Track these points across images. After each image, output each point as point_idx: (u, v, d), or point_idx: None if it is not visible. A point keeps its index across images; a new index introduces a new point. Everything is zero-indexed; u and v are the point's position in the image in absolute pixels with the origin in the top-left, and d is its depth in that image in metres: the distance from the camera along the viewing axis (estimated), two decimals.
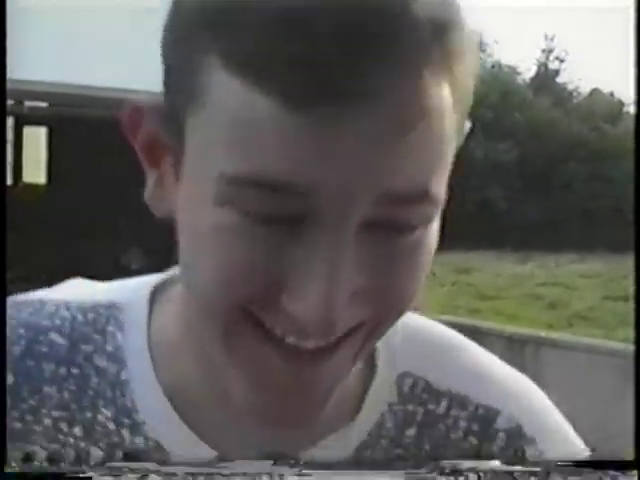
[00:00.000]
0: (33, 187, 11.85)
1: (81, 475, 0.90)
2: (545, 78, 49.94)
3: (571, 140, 41.47)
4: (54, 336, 1.07)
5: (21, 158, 12.42)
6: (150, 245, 8.85)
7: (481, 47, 50.43)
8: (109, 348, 1.06)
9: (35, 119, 11.25)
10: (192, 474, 0.91)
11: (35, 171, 12.49)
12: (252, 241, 0.88)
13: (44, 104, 10.11)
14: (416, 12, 0.84)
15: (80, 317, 1.09)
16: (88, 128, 9.25)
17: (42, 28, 6.87)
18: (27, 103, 10.01)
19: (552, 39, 51.05)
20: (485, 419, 1.24)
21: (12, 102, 10.79)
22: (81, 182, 10.05)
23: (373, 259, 0.94)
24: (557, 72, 51.03)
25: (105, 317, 1.09)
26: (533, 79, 50.05)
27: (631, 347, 8.36)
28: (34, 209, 10.47)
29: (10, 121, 11.83)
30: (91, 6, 6.99)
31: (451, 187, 1.19)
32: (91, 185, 9.84)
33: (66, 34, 7.11)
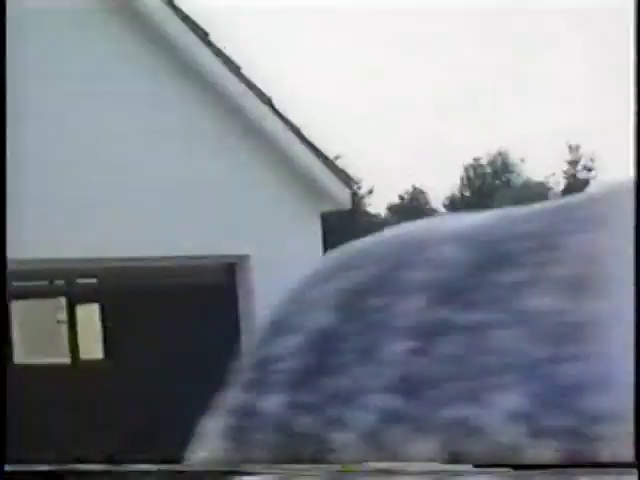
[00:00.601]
0: (91, 363, 11.98)
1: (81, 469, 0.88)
2: (576, 189, 50.15)
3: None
4: None
5: (76, 336, 12.61)
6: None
7: (508, 168, 50.90)
8: None
9: (87, 297, 11.49)
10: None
11: (92, 347, 12.64)
12: None
13: (93, 280, 10.35)
14: None
15: None
16: (139, 299, 9.43)
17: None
18: (78, 280, 10.25)
19: (577, 149, 51.40)
20: None
21: (63, 282, 11.00)
22: (138, 352, 10.16)
23: None
24: (587, 181, 51.24)
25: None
26: (564, 192, 50.25)
27: None
28: (94, 384, 10.59)
29: (63, 301, 12.09)
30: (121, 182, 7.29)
31: None
32: (148, 354, 9.94)
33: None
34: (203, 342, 8.90)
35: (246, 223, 8.32)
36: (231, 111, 8.22)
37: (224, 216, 8.11)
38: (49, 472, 1.03)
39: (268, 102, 8.44)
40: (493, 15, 57.51)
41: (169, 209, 7.63)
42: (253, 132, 8.43)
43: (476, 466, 0.62)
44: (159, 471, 0.90)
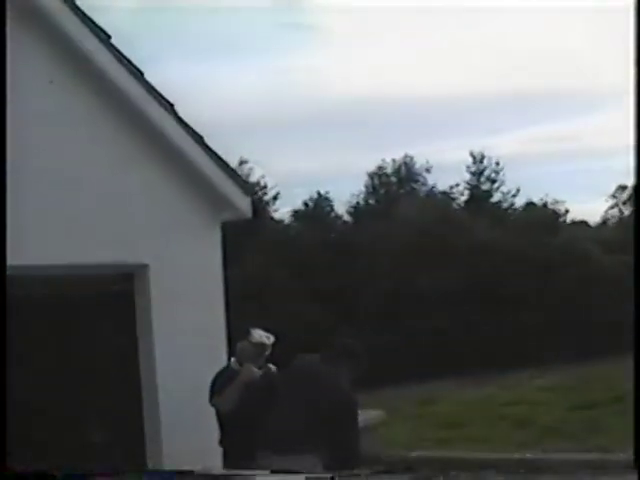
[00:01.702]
0: None
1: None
2: (479, 200, 50.73)
3: (514, 256, 41.86)
4: None
5: None
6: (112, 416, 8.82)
7: (413, 177, 51.28)
8: None
9: None
10: None
11: None
12: None
13: None
14: None
15: None
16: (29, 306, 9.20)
17: None
18: None
19: (481, 161, 52.04)
20: None
21: None
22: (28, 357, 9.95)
23: None
24: (490, 192, 51.91)
25: None
26: (468, 202, 50.81)
27: (606, 456, 8.29)
28: None
29: None
30: None
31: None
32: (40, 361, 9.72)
33: None
34: (98, 351, 8.73)
35: (144, 232, 8.18)
36: (130, 116, 8.05)
37: (122, 224, 7.95)
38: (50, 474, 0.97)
39: (169, 108, 8.28)
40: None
41: (66, 216, 7.42)
42: (153, 139, 8.28)
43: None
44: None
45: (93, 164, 7.66)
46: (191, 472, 4.43)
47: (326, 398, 6.40)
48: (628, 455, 8.20)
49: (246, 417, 7.35)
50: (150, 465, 8.46)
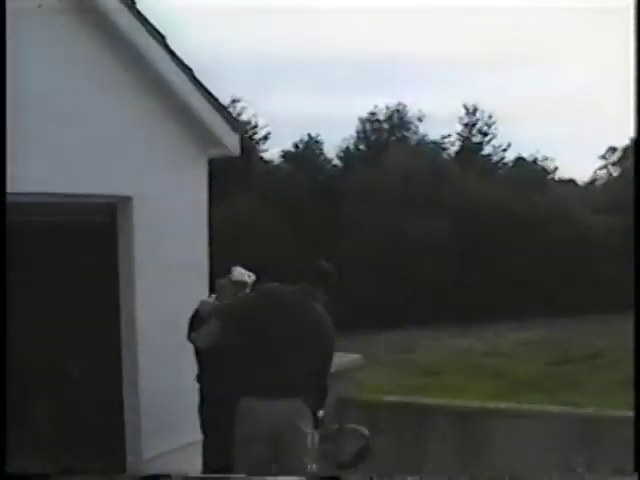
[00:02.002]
0: None
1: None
2: (470, 151, 50.66)
3: (501, 210, 41.91)
4: None
5: None
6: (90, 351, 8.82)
7: (405, 125, 51.09)
8: None
9: None
10: None
11: None
12: None
13: None
14: None
15: None
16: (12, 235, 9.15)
17: None
18: None
19: (474, 113, 51.91)
20: None
21: None
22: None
23: None
24: (481, 145, 51.84)
25: None
26: (458, 153, 50.75)
27: (574, 410, 8.34)
28: None
29: None
30: None
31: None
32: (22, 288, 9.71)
33: None
34: (79, 281, 8.72)
35: (129, 164, 8.12)
36: (121, 46, 7.96)
37: (107, 155, 7.88)
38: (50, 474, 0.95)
39: (160, 39, 8.20)
40: None
41: (51, 144, 7.35)
42: (142, 70, 8.20)
43: None
44: None
45: (80, 95, 7.58)
46: (168, 476, 4.44)
47: (307, 341, 6.38)
48: (597, 410, 8.27)
49: (223, 354, 7.38)
50: (126, 396, 8.49)
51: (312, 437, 6.27)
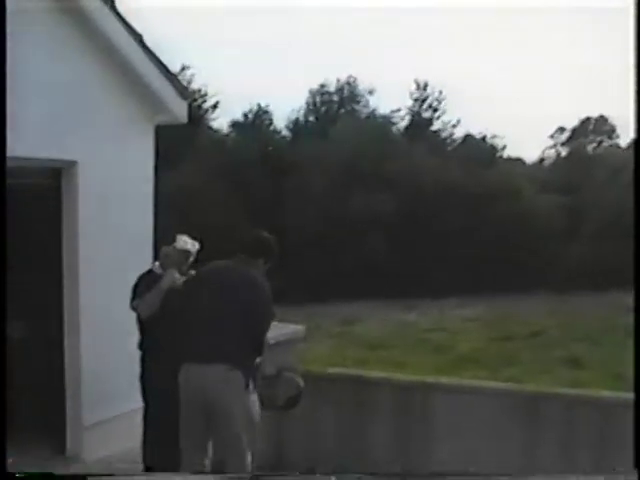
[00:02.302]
0: None
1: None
2: (419, 127, 50.78)
3: (448, 186, 42.08)
4: None
5: None
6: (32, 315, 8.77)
7: (355, 98, 51.07)
8: None
9: None
10: None
11: None
12: None
13: None
14: None
15: None
16: None
17: None
18: None
19: (425, 88, 52.01)
20: None
21: None
22: None
23: None
24: (430, 120, 51.96)
25: None
26: (408, 128, 50.84)
27: (516, 386, 8.41)
28: None
29: None
30: None
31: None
32: None
33: None
34: (22, 246, 8.63)
35: (74, 128, 8.03)
36: (69, 11, 7.85)
37: (51, 119, 7.79)
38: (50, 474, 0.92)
39: (110, 4, 8.10)
40: None
41: None
42: (90, 34, 8.10)
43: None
44: None
45: (27, 60, 7.47)
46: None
47: (242, 306, 6.41)
48: (537, 387, 8.36)
49: (165, 322, 7.36)
50: (67, 363, 8.45)
51: (244, 402, 6.28)
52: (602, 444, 7.20)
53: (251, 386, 6.36)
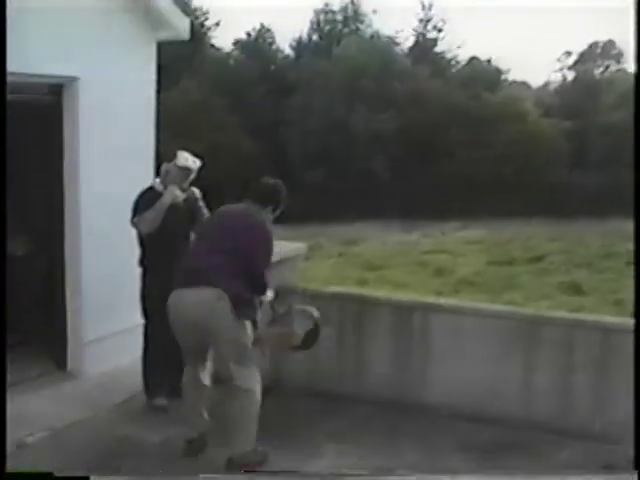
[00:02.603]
0: None
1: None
2: (424, 48, 50.32)
3: (452, 108, 41.85)
4: None
5: None
6: (34, 232, 8.78)
7: (359, 17, 50.53)
8: None
9: None
10: None
11: None
12: None
13: None
14: None
15: None
16: None
17: None
18: None
19: (430, 8, 51.46)
20: None
21: None
22: None
23: None
24: (435, 41, 51.46)
25: None
26: (412, 49, 50.38)
27: (514, 309, 8.43)
28: None
29: None
30: None
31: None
32: None
33: None
34: (23, 162, 8.61)
35: (75, 44, 7.94)
36: None
37: (52, 35, 7.69)
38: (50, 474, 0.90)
39: None
40: None
41: None
42: None
43: None
44: None
45: None
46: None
47: (244, 230, 6.44)
48: (537, 311, 8.38)
49: (165, 239, 7.37)
50: (68, 279, 8.47)
51: (230, 324, 6.30)
52: (601, 369, 7.22)
53: (246, 319, 6.35)
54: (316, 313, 6.94)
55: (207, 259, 6.38)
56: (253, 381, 6.42)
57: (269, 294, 6.58)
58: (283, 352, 7.67)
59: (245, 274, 6.32)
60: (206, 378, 6.71)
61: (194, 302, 6.29)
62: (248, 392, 6.38)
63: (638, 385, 4.99)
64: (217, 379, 6.65)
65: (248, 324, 6.38)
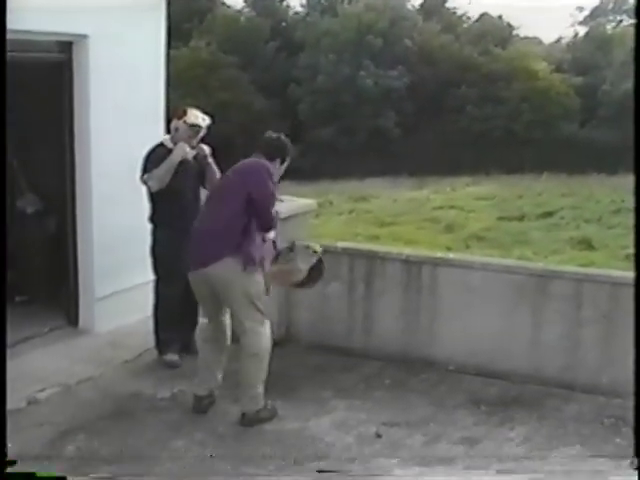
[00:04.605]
0: None
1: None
2: (434, 3, 50.02)
3: (462, 64, 41.67)
4: None
5: None
6: (45, 190, 8.80)
7: None
8: None
9: None
10: None
11: None
12: None
13: None
14: None
15: None
16: None
17: None
18: None
19: None
20: None
21: None
22: None
23: None
24: None
25: None
26: (422, 4, 50.09)
27: (524, 263, 8.44)
28: None
29: None
30: None
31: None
32: None
33: None
34: (34, 120, 8.63)
35: (85, 2, 7.92)
36: None
37: None
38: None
39: None
40: None
41: None
42: None
43: None
44: None
45: None
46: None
47: (244, 174, 6.48)
48: (546, 265, 8.39)
49: (175, 195, 7.40)
50: (80, 236, 8.50)
51: (242, 283, 6.35)
52: (610, 323, 7.24)
53: (250, 268, 6.37)
54: (319, 248, 6.89)
55: (214, 224, 6.40)
56: (263, 341, 6.48)
57: (272, 233, 6.58)
58: (287, 288, 7.66)
59: (250, 217, 6.35)
60: (223, 336, 6.75)
61: (208, 280, 6.40)
62: (258, 355, 6.43)
63: (638, 385, 5.03)
64: (235, 338, 6.67)
65: (258, 275, 6.41)
